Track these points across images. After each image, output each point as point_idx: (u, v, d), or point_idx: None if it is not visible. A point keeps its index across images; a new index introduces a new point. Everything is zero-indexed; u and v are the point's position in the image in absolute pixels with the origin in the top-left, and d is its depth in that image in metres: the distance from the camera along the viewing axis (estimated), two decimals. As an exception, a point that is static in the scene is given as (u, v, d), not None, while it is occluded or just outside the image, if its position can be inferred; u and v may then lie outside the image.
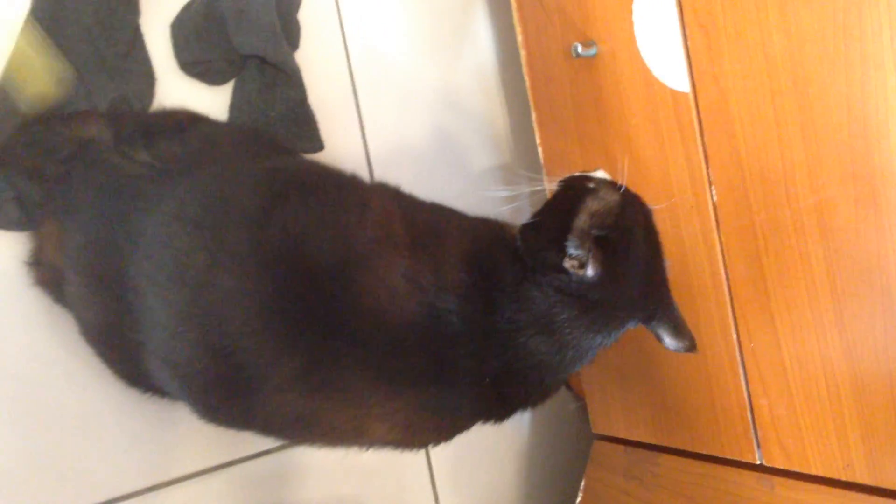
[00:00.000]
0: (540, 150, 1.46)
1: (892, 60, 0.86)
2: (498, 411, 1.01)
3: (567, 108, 1.36)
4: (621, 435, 1.42)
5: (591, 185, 0.99)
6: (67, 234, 1.03)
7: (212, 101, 1.33)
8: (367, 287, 0.91)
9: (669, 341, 1.01)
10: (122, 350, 1.02)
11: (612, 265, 0.92)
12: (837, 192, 0.95)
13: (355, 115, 1.47)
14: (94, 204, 1.00)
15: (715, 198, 1.11)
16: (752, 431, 1.14)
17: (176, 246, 0.91)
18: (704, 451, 1.24)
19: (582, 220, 0.93)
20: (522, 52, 1.45)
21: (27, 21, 1.12)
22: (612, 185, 1.00)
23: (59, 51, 1.12)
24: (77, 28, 1.18)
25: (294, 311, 0.89)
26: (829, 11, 0.91)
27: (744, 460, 1.17)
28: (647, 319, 0.99)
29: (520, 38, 1.44)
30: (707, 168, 1.11)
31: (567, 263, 0.91)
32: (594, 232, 0.92)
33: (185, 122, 1.16)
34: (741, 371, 1.13)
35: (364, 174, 1.43)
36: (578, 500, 1.48)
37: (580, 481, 1.49)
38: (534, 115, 1.46)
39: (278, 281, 0.89)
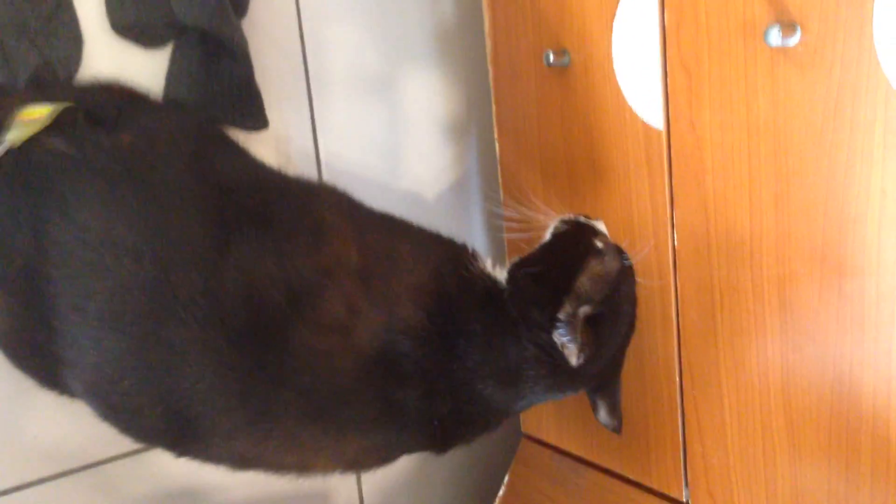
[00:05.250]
0: (497, 148, 1.39)
1: (881, 155, 0.82)
2: (441, 447, 1.00)
3: (530, 115, 1.28)
4: (551, 441, 1.42)
5: (599, 244, 0.95)
6: None
7: (146, 66, 1.21)
8: (319, 329, 0.86)
9: (602, 414, 1.02)
10: (36, 359, 0.95)
11: (596, 343, 0.90)
12: (803, 270, 0.92)
13: (304, 89, 1.37)
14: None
15: (676, 242, 1.07)
16: (683, 471, 1.14)
17: (108, 278, 0.84)
18: (632, 478, 1.24)
19: (583, 283, 0.89)
20: (488, 42, 1.36)
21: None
22: (618, 251, 0.96)
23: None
24: (-5, -12, 1.05)
25: (246, 363, 0.84)
26: (823, 87, 0.86)
27: (671, 495, 1.17)
28: (595, 389, 0.98)
29: (487, 24, 1.35)
30: (671, 210, 1.07)
31: (556, 340, 0.88)
32: (584, 311, 0.88)
33: (122, 104, 1.05)
34: (679, 414, 1.13)
35: (310, 154, 1.37)
36: (501, 493, 1.49)
37: (504, 474, 1.50)
38: (495, 119, 1.38)
39: (232, 331, 0.83)
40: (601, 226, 0.99)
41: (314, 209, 0.97)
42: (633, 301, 0.98)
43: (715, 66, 0.96)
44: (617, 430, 1.02)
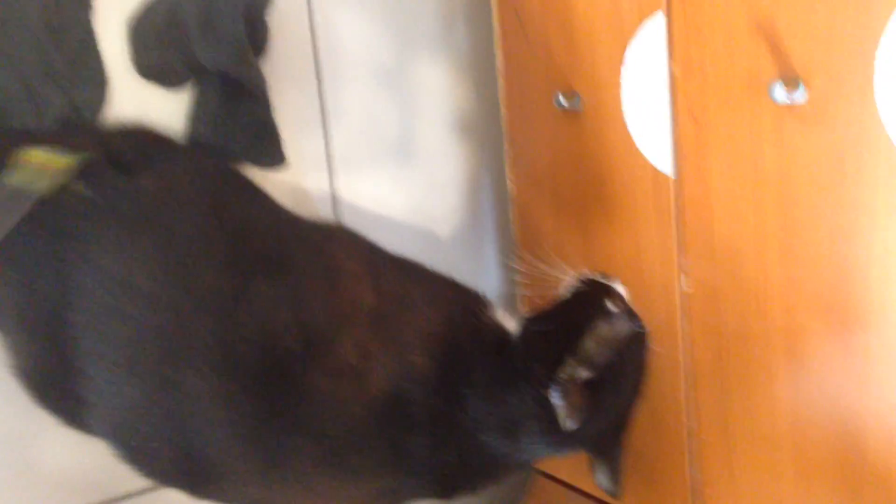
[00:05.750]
0: (511, 188, 1.40)
1: (884, 213, 0.83)
2: (447, 494, 1.00)
3: (543, 156, 1.30)
4: (562, 477, 1.42)
5: (611, 307, 0.95)
6: (3, 267, 0.96)
7: (168, 104, 1.24)
8: (331, 374, 0.88)
9: (601, 478, 1.00)
10: (60, 400, 0.97)
11: (592, 408, 0.89)
12: (810, 321, 0.93)
13: (320, 125, 1.39)
14: (24, 238, 0.93)
15: (686, 287, 1.08)
16: (693, 516, 1.15)
17: (126, 324, 0.86)
18: (643, 518, 1.25)
19: (588, 345, 0.89)
20: (501, 82, 1.37)
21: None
22: (629, 315, 0.96)
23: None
24: (23, 32, 1.09)
25: (260, 409, 0.86)
26: (827, 143, 0.86)
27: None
28: (595, 452, 0.98)
29: (499, 64, 1.36)
30: (680, 256, 1.07)
31: (552, 400, 0.88)
32: (583, 374, 0.88)
33: (144, 147, 1.08)
34: (690, 458, 1.13)
35: (326, 190, 1.39)
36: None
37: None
38: (508, 159, 1.40)
39: (246, 379, 0.85)
40: (619, 287, 0.99)
41: (329, 253, 0.99)
42: (640, 368, 0.97)
43: (722, 117, 0.97)
44: (614, 494, 1.01)
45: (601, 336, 0.90)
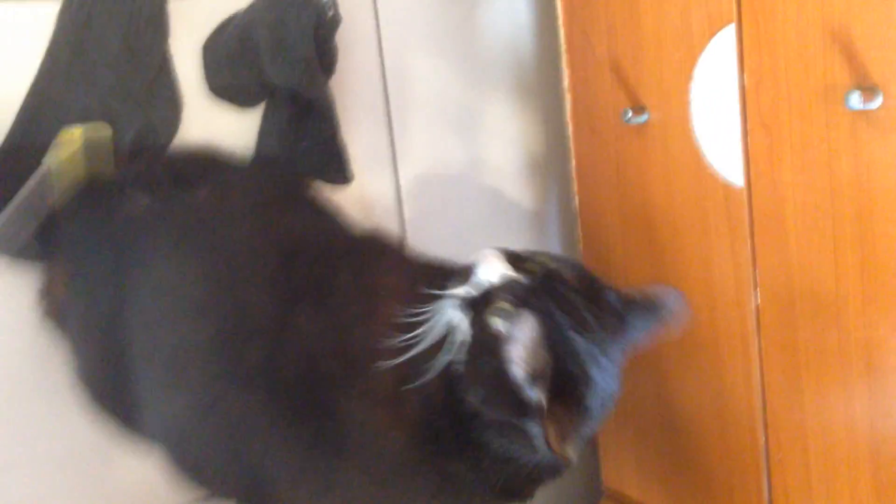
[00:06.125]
0: (577, 202, 1.40)
1: (970, 221, 0.80)
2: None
3: (609, 170, 1.29)
4: (632, 494, 1.40)
5: (495, 323, 0.79)
6: (72, 275, 0.99)
7: (240, 123, 1.27)
8: (372, 400, 0.85)
9: None
10: (114, 403, 0.99)
11: (578, 410, 0.78)
12: (890, 334, 0.90)
13: (388, 144, 1.41)
14: (92, 248, 0.97)
15: (759, 301, 1.06)
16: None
17: (173, 332, 0.88)
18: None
19: (519, 370, 0.77)
20: (568, 98, 1.37)
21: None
22: (519, 305, 0.79)
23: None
24: (103, 54, 1.13)
25: (308, 434, 0.85)
26: (906, 149, 0.85)
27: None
28: None
29: (567, 81, 1.37)
30: (753, 269, 1.06)
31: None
32: (540, 396, 0.75)
33: (206, 163, 1.11)
34: (765, 475, 1.10)
35: (392, 207, 1.41)
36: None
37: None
38: (574, 173, 1.40)
39: (295, 401, 0.85)
40: (489, 267, 0.82)
41: (372, 270, 0.96)
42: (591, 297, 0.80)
43: (796, 127, 0.96)
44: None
45: (520, 355, 0.77)
